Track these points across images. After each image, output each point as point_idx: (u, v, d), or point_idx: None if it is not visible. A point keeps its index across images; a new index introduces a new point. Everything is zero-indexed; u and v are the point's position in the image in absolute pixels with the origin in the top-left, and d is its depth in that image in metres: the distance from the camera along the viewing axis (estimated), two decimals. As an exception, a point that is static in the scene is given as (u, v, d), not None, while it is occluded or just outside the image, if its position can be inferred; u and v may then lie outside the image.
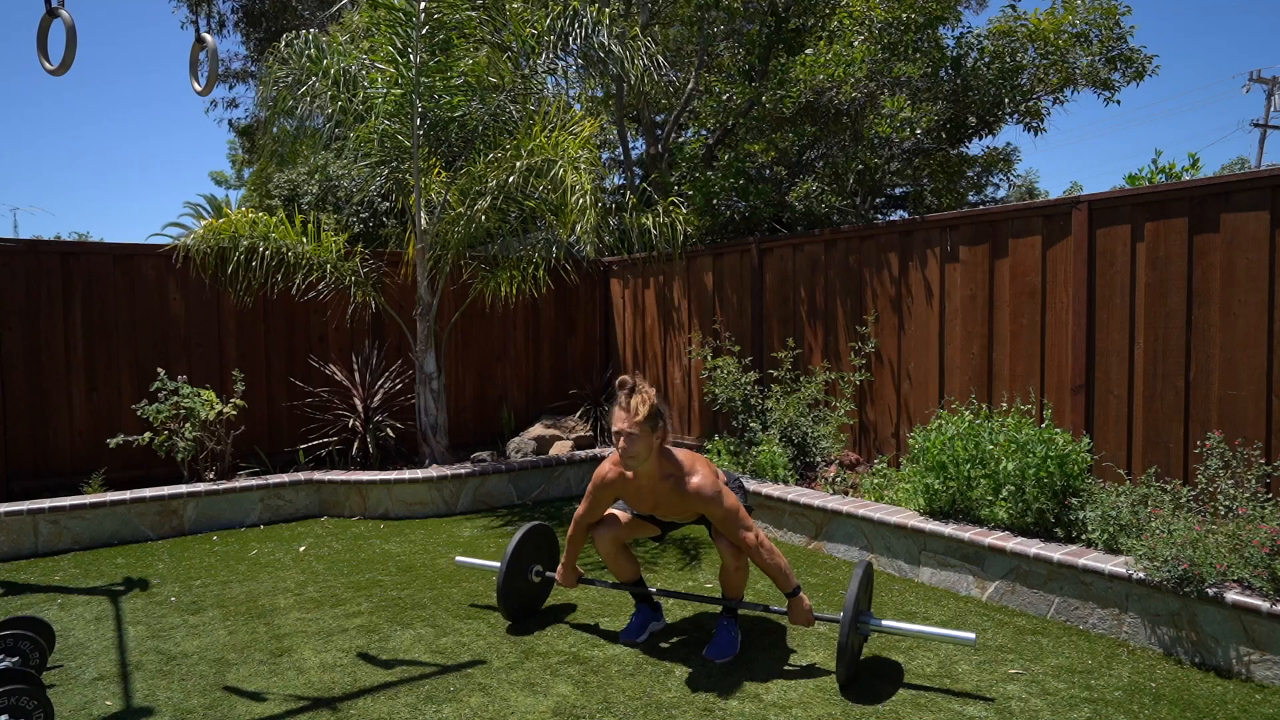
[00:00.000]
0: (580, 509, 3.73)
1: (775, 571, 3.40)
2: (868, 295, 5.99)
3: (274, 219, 6.48)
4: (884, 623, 3.38)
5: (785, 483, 5.65)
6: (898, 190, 9.61)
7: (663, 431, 3.38)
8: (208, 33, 4.12)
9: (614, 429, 3.32)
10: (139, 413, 6.01)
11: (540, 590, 4.18)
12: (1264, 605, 3.23)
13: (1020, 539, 4.17)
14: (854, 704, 3.14)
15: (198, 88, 4.09)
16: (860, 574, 3.33)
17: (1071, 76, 7.56)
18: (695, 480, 3.38)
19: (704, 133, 9.31)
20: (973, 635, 3.24)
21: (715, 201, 7.97)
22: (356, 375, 7.07)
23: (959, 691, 3.23)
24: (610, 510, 3.77)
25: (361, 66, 6.42)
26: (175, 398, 6.00)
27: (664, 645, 3.74)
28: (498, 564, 4.19)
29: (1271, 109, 27.71)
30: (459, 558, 4.65)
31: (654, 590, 3.84)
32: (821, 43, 7.65)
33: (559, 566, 3.96)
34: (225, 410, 6.11)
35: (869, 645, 3.70)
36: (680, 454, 3.49)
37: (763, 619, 4.02)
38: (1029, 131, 8.01)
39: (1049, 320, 4.92)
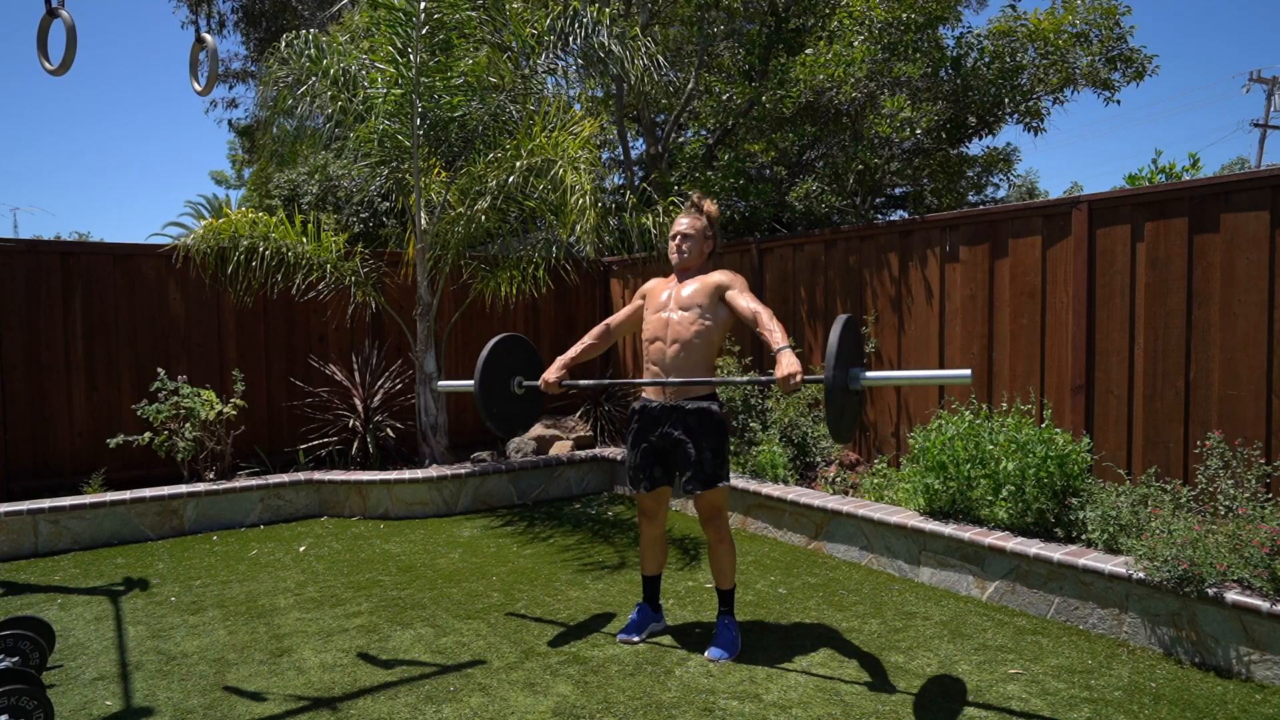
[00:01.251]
0: (618, 315, 3.92)
1: (772, 329, 3.36)
2: (868, 295, 5.99)
3: (274, 219, 6.48)
4: (875, 374, 3.12)
5: (785, 483, 5.65)
6: (898, 190, 9.61)
7: (713, 242, 3.78)
8: (208, 33, 4.12)
9: (674, 229, 3.72)
10: (139, 413, 6.01)
11: (526, 403, 3.97)
12: (1264, 605, 3.23)
13: (1020, 539, 4.17)
14: (854, 704, 3.14)
15: (198, 88, 4.09)
16: (840, 324, 3.02)
17: (1071, 76, 7.56)
18: (724, 272, 3.68)
19: (704, 133, 9.31)
20: (968, 372, 2.88)
21: (715, 200, 7.96)
22: (356, 375, 7.07)
23: (959, 692, 3.23)
24: (641, 496, 3.72)
25: (361, 66, 6.42)
26: (175, 398, 6.00)
27: (664, 645, 3.74)
28: (473, 383, 3.87)
29: (1271, 109, 27.70)
30: (439, 382, 4.50)
31: (651, 595, 3.84)
32: (821, 43, 7.65)
33: (550, 368, 3.82)
34: (225, 410, 6.11)
35: (868, 645, 3.70)
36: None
37: (763, 621, 4.03)
38: (1029, 131, 8.02)
39: (1049, 320, 4.92)
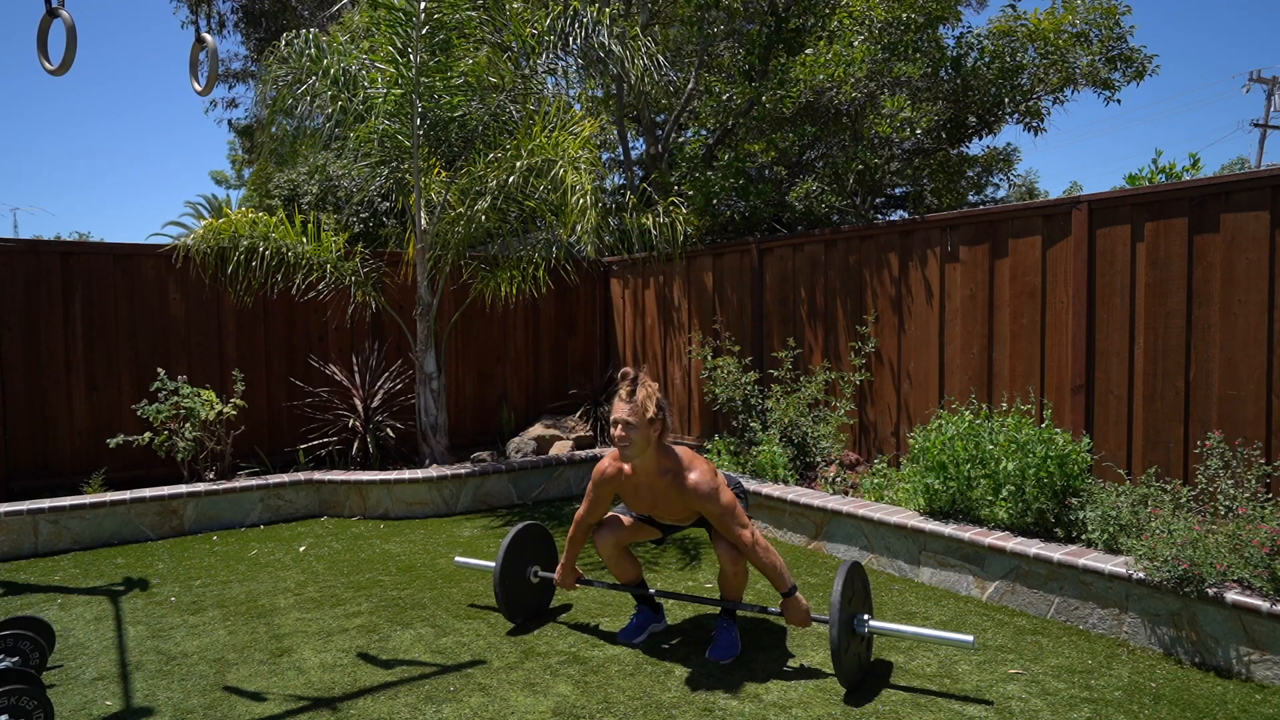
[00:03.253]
0: (581, 509, 3.73)
1: (771, 571, 3.38)
2: (868, 295, 5.99)
3: (274, 219, 6.48)
4: (880, 624, 3.35)
5: (785, 483, 5.65)
6: (898, 190, 9.60)
7: (660, 424, 3.39)
8: (208, 33, 4.12)
9: (612, 417, 3.36)
10: (139, 413, 6.01)
11: (540, 591, 4.17)
12: (1264, 605, 3.23)
13: (1020, 539, 4.17)
14: (854, 704, 3.14)
15: (198, 88, 4.09)
16: (844, 573, 3.22)
17: (1071, 76, 7.55)
18: (693, 476, 3.38)
19: (704, 133, 9.30)
20: (971, 638, 3.21)
21: (715, 201, 7.97)
22: (356, 375, 7.07)
23: (959, 691, 3.23)
24: (612, 513, 3.78)
25: (361, 66, 6.42)
26: (175, 398, 6.00)
27: (664, 645, 3.74)
28: (494, 565, 4.16)
29: (1271, 109, 27.70)
30: (458, 558, 4.64)
31: (654, 591, 3.84)
32: (821, 43, 7.65)
33: (558, 567, 3.95)
34: (225, 410, 6.11)
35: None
36: (680, 451, 3.50)
37: (763, 619, 4.02)
38: (1029, 131, 8.01)
39: (1049, 320, 4.92)
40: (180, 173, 75.44)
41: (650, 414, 3.33)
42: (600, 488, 3.60)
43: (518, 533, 4.03)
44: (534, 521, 4.19)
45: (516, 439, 7.26)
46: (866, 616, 3.36)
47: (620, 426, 3.32)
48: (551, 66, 6.58)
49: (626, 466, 3.48)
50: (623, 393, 3.37)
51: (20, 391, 6.11)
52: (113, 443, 5.95)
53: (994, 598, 4.22)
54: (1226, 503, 3.68)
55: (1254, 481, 3.73)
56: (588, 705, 3.16)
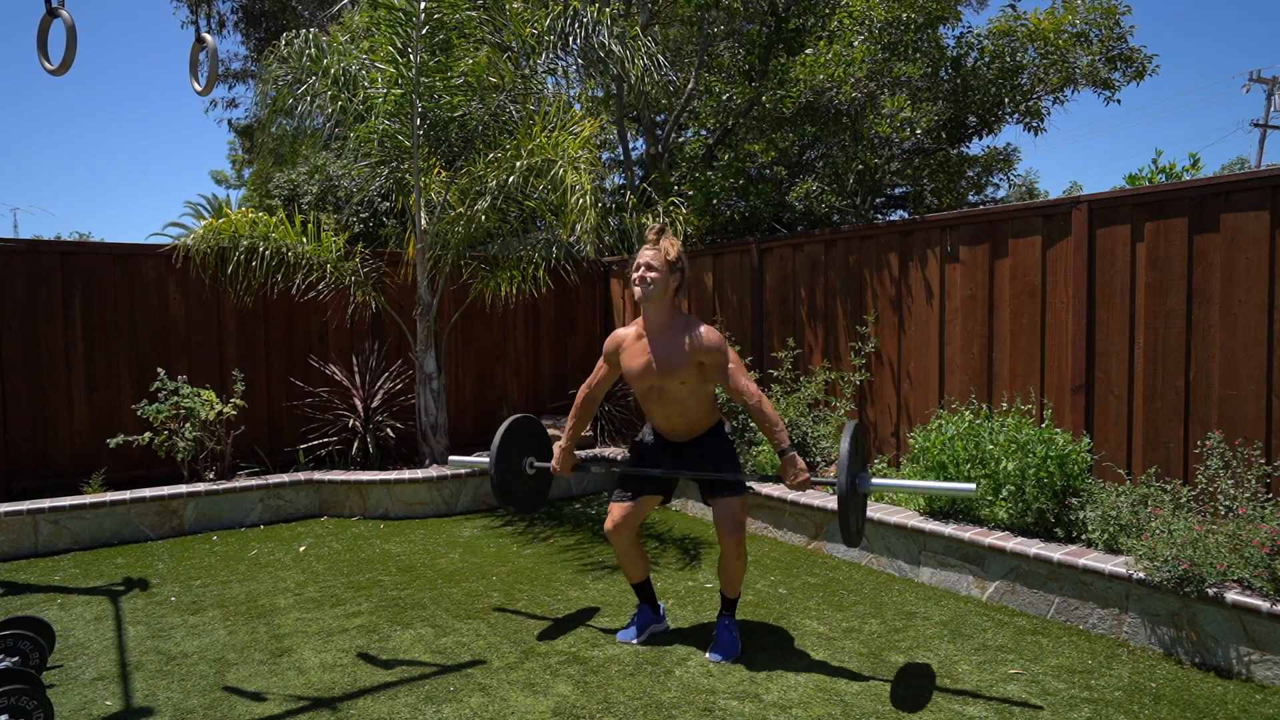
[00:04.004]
0: (589, 380, 3.80)
1: (774, 425, 3.38)
2: (868, 295, 5.99)
3: (274, 219, 6.48)
4: (882, 481, 3.28)
5: (785, 483, 5.64)
6: (898, 190, 9.60)
7: (680, 277, 3.55)
8: (208, 33, 4.12)
9: (638, 261, 3.52)
10: (139, 413, 6.01)
11: (538, 483, 4.08)
12: (1264, 605, 3.23)
13: (1020, 539, 4.17)
14: (854, 704, 3.14)
15: (198, 88, 4.08)
16: (849, 434, 3.17)
17: (1071, 76, 7.55)
18: (703, 329, 3.49)
19: (704, 133, 9.30)
20: (972, 485, 3.09)
21: (715, 201, 7.97)
22: (356, 375, 7.07)
23: (959, 691, 3.23)
24: (615, 505, 3.72)
25: (361, 66, 6.42)
26: (175, 398, 6.00)
27: (664, 645, 3.74)
28: (488, 459, 3.98)
29: (1271, 109, 27.70)
30: (452, 456, 4.54)
31: (643, 599, 3.84)
32: (821, 43, 7.65)
33: (556, 449, 3.91)
34: (225, 410, 6.11)
35: (868, 645, 3.70)
36: (693, 317, 3.63)
37: (763, 621, 4.02)
38: (1029, 131, 8.01)
39: (1049, 320, 4.92)
40: (180, 173, 75.45)
41: (672, 258, 3.50)
42: (610, 352, 3.71)
43: (511, 424, 3.92)
44: (527, 415, 4.09)
45: (516, 439, 7.25)
46: (868, 475, 3.30)
47: (644, 268, 3.49)
48: (551, 66, 6.58)
49: (635, 327, 3.60)
50: (651, 238, 3.58)
51: (20, 391, 6.11)
52: (113, 443, 5.95)
53: (994, 598, 4.22)
54: (1226, 503, 3.68)
55: (1254, 481, 3.73)
56: (588, 705, 3.16)
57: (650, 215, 6.65)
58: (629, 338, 3.64)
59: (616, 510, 3.72)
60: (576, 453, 7.28)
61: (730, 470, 3.62)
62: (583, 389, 3.82)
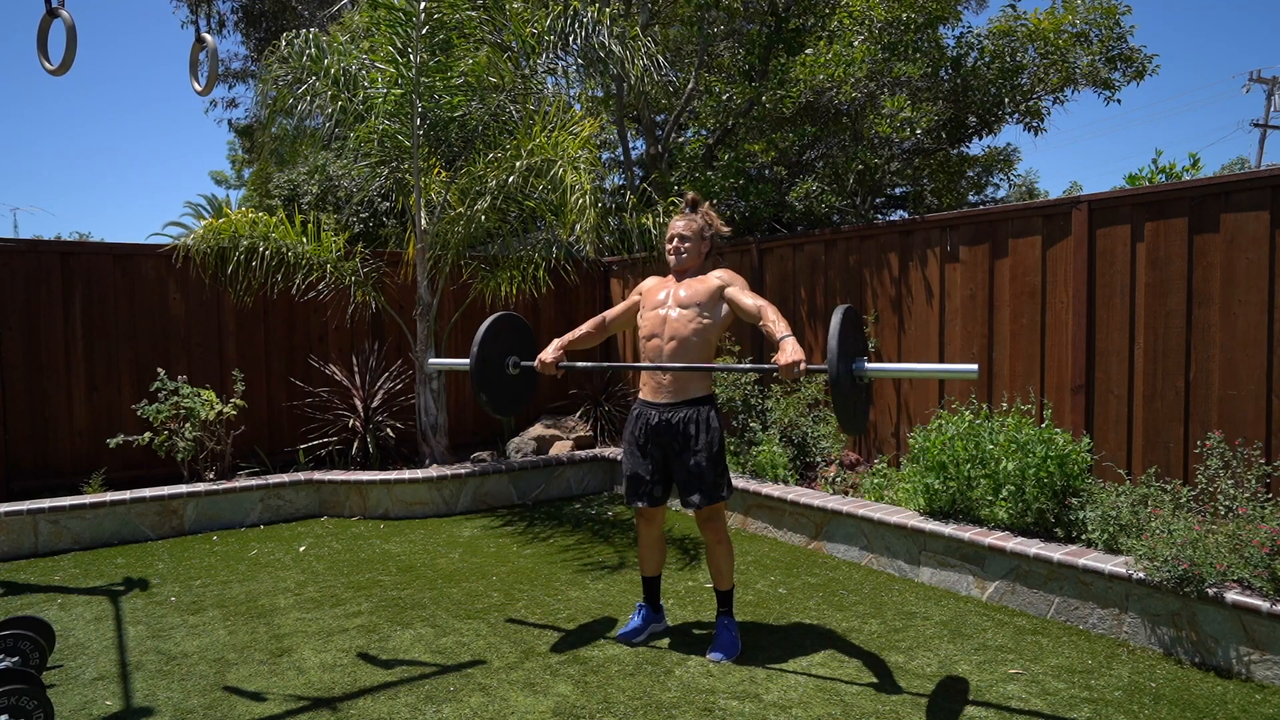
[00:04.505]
0: (612, 310, 3.92)
1: (776, 321, 3.33)
2: (868, 295, 5.99)
3: (274, 219, 6.48)
4: (878, 365, 3.11)
5: (785, 483, 5.65)
6: (898, 190, 9.61)
7: (710, 244, 3.75)
8: (208, 32, 4.12)
9: (671, 231, 3.69)
10: (139, 413, 6.01)
11: (521, 384, 3.95)
12: (1264, 605, 3.23)
13: (1020, 539, 4.17)
14: (854, 704, 3.14)
15: (198, 88, 4.08)
16: (839, 315, 2.96)
17: (1071, 76, 7.56)
18: (723, 271, 3.66)
19: (704, 133, 9.30)
20: (974, 367, 2.91)
21: (715, 201, 7.97)
22: (356, 375, 7.07)
23: (959, 692, 3.23)
24: (640, 505, 3.69)
25: (361, 66, 6.42)
26: (175, 398, 6.00)
27: (664, 645, 3.74)
28: (468, 361, 3.85)
29: (1271, 109, 27.70)
30: (432, 359, 4.45)
31: (647, 598, 3.84)
32: (821, 43, 7.65)
33: (544, 350, 3.80)
34: (225, 410, 6.11)
35: (868, 645, 3.70)
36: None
37: (762, 621, 4.02)
38: (1029, 131, 8.02)
39: (1049, 320, 4.92)
40: (180, 173, 75.44)
41: (705, 231, 3.70)
42: (639, 295, 3.80)
43: (495, 320, 3.79)
44: (513, 313, 3.94)
45: (516, 439, 7.26)
46: (864, 360, 3.09)
47: (677, 239, 3.67)
48: (551, 66, 6.59)
49: (671, 277, 3.73)
50: (685, 209, 3.76)
51: (20, 391, 6.11)
52: (113, 443, 5.95)
53: (994, 598, 4.22)
54: (1226, 503, 3.68)
55: (1254, 481, 3.73)
56: (588, 705, 3.16)
57: (650, 215, 6.65)
58: (658, 280, 3.80)
59: (644, 510, 3.75)
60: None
61: (710, 470, 3.51)
62: (603, 315, 3.94)
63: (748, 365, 3.55)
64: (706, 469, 3.52)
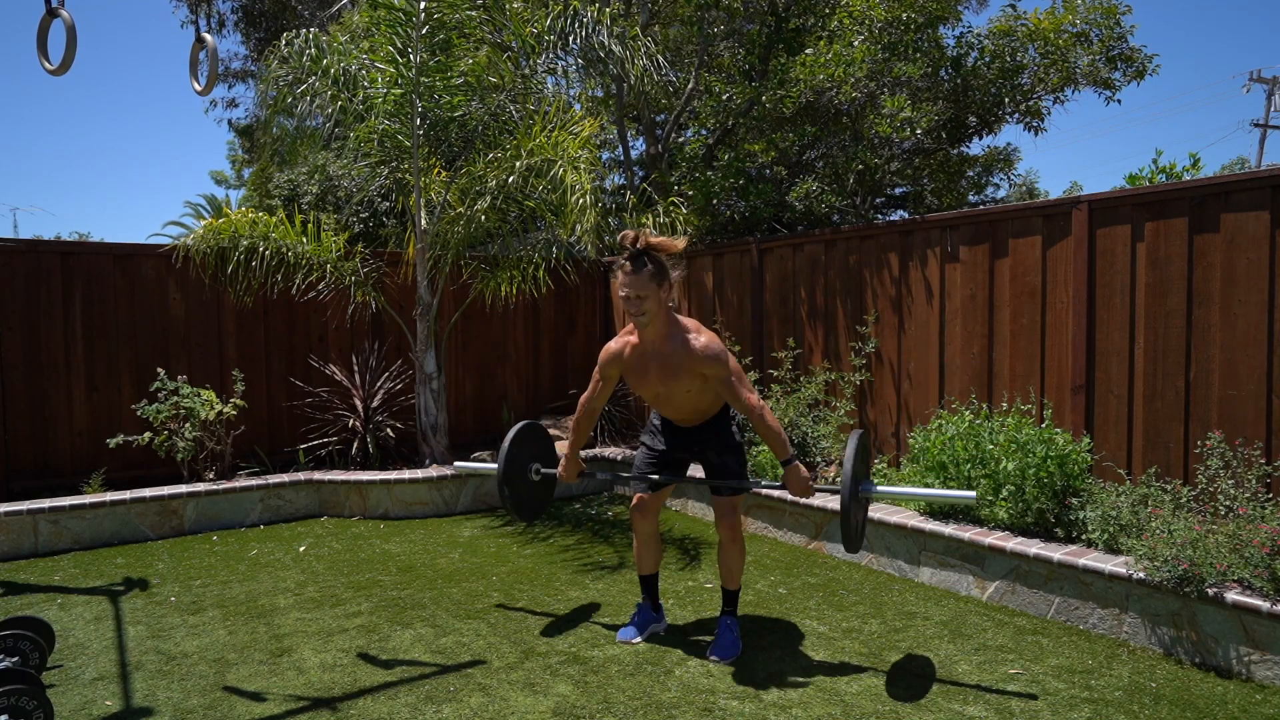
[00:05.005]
0: (586, 394, 3.75)
1: (774, 436, 3.37)
2: (868, 295, 5.99)
3: (274, 219, 6.48)
4: (885, 488, 3.37)
5: (785, 483, 5.64)
6: (898, 190, 9.59)
7: (668, 287, 3.39)
8: (208, 32, 4.12)
9: (623, 291, 3.33)
10: (139, 413, 6.01)
11: (543, 489, 4.09)
12: (1264, 605, 3.23)
13: (1020, 539, 4.17)
14: (854, 704, 3.14)
15: (198, 87, 4.08)
16: (855, 441, 3.25)
17: (1072, 76, 7.55)
18: (701, 339, 3.42)
19: (704, 133, 9.30)
20: (973, 494, 3.17)
21: (715, 201, 7.96)
22: (356, 375, 7.07)
23: (959, 692, 3.23)
24: (637, 495, 3.78)
25: (361, 66, 6.42)
26: (175, 398, 6.00)
27: (664, 645, 3.74)
28: (495, 466, 4.02)
29: (1271, 109, 27.70)
30: (457, 462, 4.54)
31: (649, 597, 3.84)
32: (821, 43, 7.65)
33: (561, 459, 3.91)
34: (225, 410, 6.11)
35: (868, 645, 3.70)
36: (686, 320, 3.54)
37: (763, 618, 4.02)
38: (1029, 131, 8.01)
39: (1049, 320, 4.92)
40: (180, 173, 75.42)
41: (656, 279, 3.30)
42: (607, 368, 3.62)
43: (519, 430, 3.93)
44: (533, 421, 4.12)
45: (516, 439, 7.25)
46: (870, 483, 3.38)
47: (635, 300, 3.30)
48: (551, 66, 6.58)
49: (633, 339, 3.50)
50: (625, 265, 3.30)
51: (20, 391, 6.11)
52: (113, 443, 5.95)
53: (994, 598, 4.22)
54: (1227, 503, 3.68)
55: (1254, 481, 3.73)
56: (588, 705, 3.16)
57: (650, 215, 6.65)
58: (626, 351, 3.53)
59: (640, 497, 3.79)
60: (582, 453, 7.34)
61: (735, 464, 3.68)
62: (581, 403, 3.77)
63: (762, 483, 3.64)
64: (731, 461, 3.66)
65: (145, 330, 6.53)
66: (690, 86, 9.08)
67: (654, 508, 3.80)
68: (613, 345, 3.60)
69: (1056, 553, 3.94)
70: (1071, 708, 3.09)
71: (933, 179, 8.97)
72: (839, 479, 3.19)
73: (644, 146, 10.20)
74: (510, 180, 6.16)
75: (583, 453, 7.03)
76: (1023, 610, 4.08)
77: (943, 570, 4.46)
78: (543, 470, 4.03)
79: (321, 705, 3.19)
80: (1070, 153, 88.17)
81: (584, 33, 6.24)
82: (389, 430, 6.91)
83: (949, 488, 4.54)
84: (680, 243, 3.37)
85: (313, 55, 6.28)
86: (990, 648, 3.65)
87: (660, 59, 6.73)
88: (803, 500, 5.23)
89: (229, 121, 18.45)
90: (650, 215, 6.66)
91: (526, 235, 7.21)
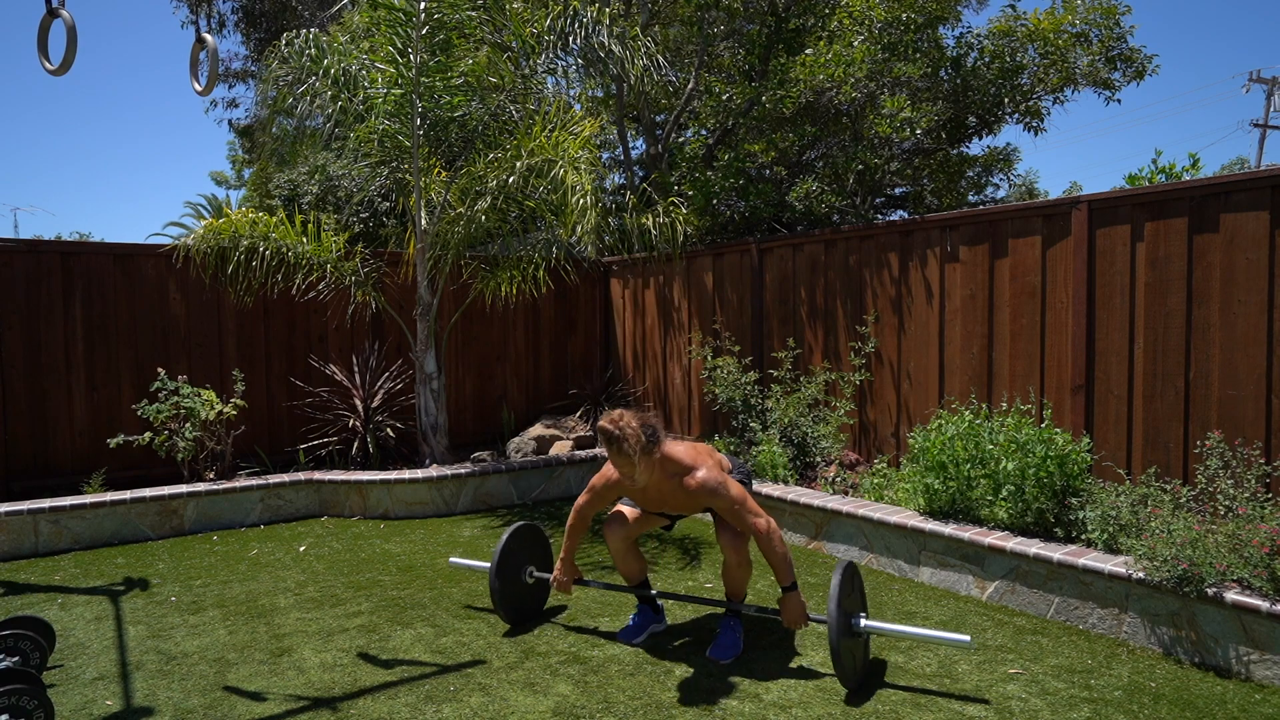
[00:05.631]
0: (582, 499, 3.71)
1: (782, 562, 3.36)
2: (868, 295, 5.99)
3: (274, 219, 6.48)
4: (876, 624, 3.34)
5: (785, 483, 5.65)
6: (898, 190, 9.60)
7: (657, 446, 3.35)
8: (208, 33, 4.12)
9: (619, 474, 3.39)
10: (139, 412, 6.01)
11: (537, 591, 4.14)
12: (1263, 605, 3.24)
13: (1020, 539, 4.17)
14: (854, 704, 3.14)
15: (198, 88, 4.09)
16: (840, 573, 3.23)
17: (1071, 76, 7.56)
18: (700, 475, 3.39)
19: (704, 133, 9.30)
20: (968, 638, 3.21)
21: (715, 201, 7.97)
22: (356, 375, 7.07)
23: (959, 691, 3.23)
24: (619, 507, 3.77)
25: (361, 66, 6.43)
26: (175, 397, 6.00)
27: (664, 645, 3.74)
28: (487, 565, 4.12)
29: (1271, 109, 27.70)
30: (453, 559, 4.62)
31: (655, 593, 3.84)
32: (821, 43, 7.65)
33: (556, 564, 3.93)
34: (225, 410, 6.11)
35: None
36: (681, 449, 3.48)
37: (762, 621, 4.02)
38: (1029, 131, 8.01)
39: (1049, 320, 4.92)
40: (180, 173, 75.44)
41: (645, 452, 3.28)
42: (606, 490, 3.62)
43: (513, 533, 4.01)
44: (529, 522, 4.17)
45: (516, 439, 7.26)
46: (863, 616, 3.35)
47: (631, 480, 3.35)
48: (551, 66, 6.58)
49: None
50: (611, 454, 3.32)
51: (20, 391, 6.11)
52: (113, 443, 5.95)
53: (994, 597, 4.22)
54: (1226, 503, 3.68)
55: (1254, 481, 3.73)
56: (588, 705, 3.16)
57: (650, 215, 6.65)
58: (625, 482, 3.46)
59: (619, 512, 3.75)
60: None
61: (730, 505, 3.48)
62: (574, 513, 3.75)
63: (754, 606, 3.58)
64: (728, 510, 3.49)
65: (145, 330, 6.54)
66: (690, 86, 9.08)
67: (627, 532, 3.72)
68: (611, 475, 3.56)
69: (1056, 553, 3.94)
70: (1071, 707, 3.09)
71: (933, 179, 8.97)
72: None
73: (644, 146, 10.20)
74: (510, 180, 6.17)
75: (580, 453, 7.05)
76: (1022, 610, 4.08)
77: (943, 570, 4.47)
78: (536, 574, 4.07)
79: (321, 705, 3.19)
80: (1070, 153, 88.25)
81: (584, 33, 6.24)
82: (389, 430, 6.91)
83: (949, 487, 4.54)
84: (636, 430, 3.28)
85: (313, 55, 6.29)
86: (990, 647, 3.65)
87: (660, 59, 6.73)
88: (802, 499, 5.23)
89: (229, 122, 18.44)
90: (650, 215, 6.66)
91: (526, 235, 7.21)
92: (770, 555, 3.37)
